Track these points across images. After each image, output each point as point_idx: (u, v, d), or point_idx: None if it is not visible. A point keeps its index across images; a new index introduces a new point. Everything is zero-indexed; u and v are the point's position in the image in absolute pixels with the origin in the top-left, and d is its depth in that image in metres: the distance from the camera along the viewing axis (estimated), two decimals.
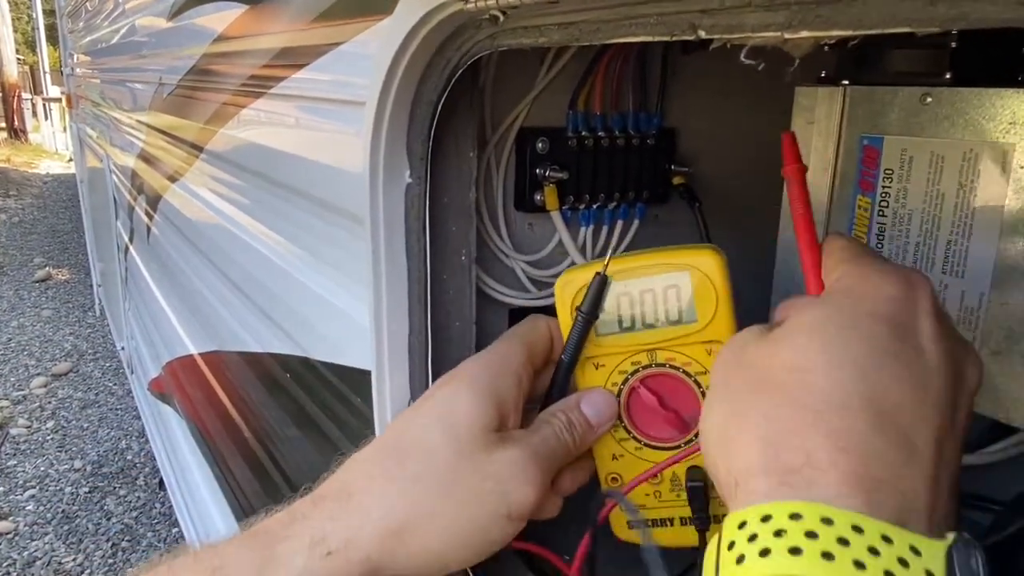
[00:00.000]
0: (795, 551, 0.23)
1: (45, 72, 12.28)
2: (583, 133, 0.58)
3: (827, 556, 0.23)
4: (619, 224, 0.62)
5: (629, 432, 0.44)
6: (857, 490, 0.25)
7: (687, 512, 0.44)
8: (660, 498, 0.45)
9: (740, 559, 0.24)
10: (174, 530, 2.40)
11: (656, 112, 0.61)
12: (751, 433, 0.28)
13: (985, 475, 0.51)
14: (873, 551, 0.23)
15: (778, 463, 0.26)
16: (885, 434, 0.26)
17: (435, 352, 0.48)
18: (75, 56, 3.30)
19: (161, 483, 2.42)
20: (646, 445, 0.44)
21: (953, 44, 0.47)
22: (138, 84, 1.63)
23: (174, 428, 1.73)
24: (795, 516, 0.24)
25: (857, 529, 0.23)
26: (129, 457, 2.90)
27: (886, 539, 0.23)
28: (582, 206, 0.59)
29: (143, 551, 2.38)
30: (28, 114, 12.53)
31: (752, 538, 0.24)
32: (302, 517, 0.39)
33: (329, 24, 0.56)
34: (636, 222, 0.63)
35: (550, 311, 0.63)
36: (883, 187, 0.51)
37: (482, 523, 0.39)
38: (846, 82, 0.53)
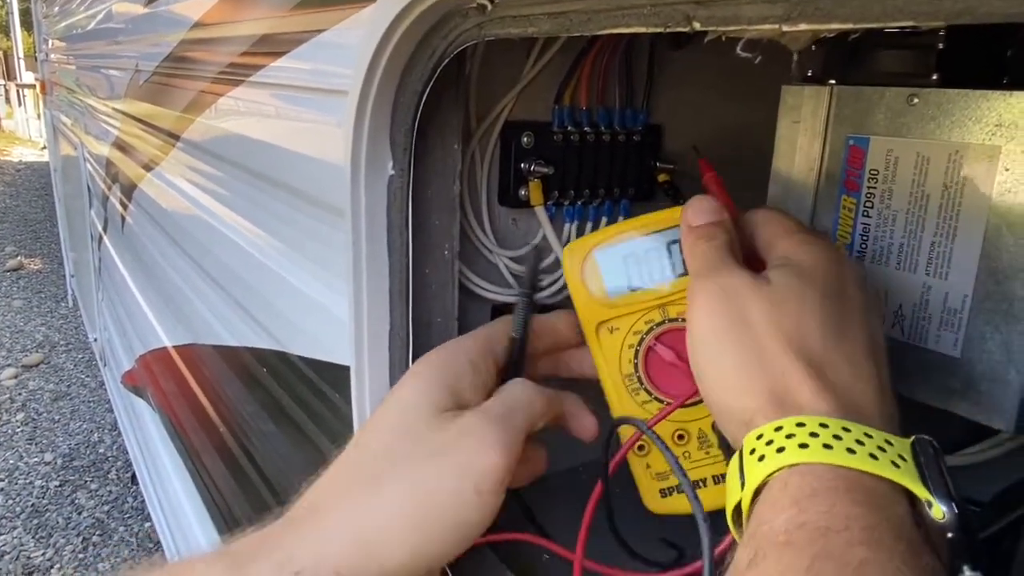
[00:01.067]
0: (803, 446, 0.31)
1: (19, 58, 12.03)
2: (569, 128, 0.57)
3: (827, 447, 0.30)
4: (603, 221, 0.61)
5: (651, 394, 0.44)
6: (837, 407, 0.33)
7: (720, 468, 0.43)
8: (690, 459, 0.44)
9: (761, 458, 0.32)
10: (146, 524, 2.37)
11: (642, 108, 0.60)
12: (761, 379, 0.34)
13: (966, 476, 0.51)
14: (859, 442, 0.31)
15: (787, 396, 0.34)
16: (854, 369, 0.35)
17: (416, 348, 0.47)
18: (50, 42, 3.23)
19: (134, 477, 2.38)
20: (667, 405, 0.44)
21: (940, 45, 0.47)
22: (114, 71, 1.59)
23: (147, 422, 1.71)
24: (800, 424, 0.32)
25: (846, 429, 0.31)
26: (101, 450, 2.85)
27: (867, 435, 0.31)
28: (566, 202, 0.59)
29: (114, 546, 2.34)
30: (1, 101, 12.28)
31: (769, 443, 0.32)
32: (272, 538, 0.38)
33: (311, 11, 0.54)
34: (621, 219, 0.62)
35: (534, 307, 0.62)
36: (868, 187, 0.51)
37: (451, 506, 0.37)
38: (832, 81, 0.53)
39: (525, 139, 0.55)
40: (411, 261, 0.45)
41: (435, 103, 0.43)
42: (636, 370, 0.44)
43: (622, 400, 0.45)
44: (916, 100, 0.48)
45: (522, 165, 0.55)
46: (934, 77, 0.48)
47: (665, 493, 0.45)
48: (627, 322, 0.44)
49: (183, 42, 0.91)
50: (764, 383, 0.34)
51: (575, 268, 0.44)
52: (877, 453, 0.31)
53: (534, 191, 0.56)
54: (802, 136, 0.55)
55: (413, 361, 0.46)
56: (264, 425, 0.79)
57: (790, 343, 0.35)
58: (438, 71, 0.38)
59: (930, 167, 0.47)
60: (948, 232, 0.47)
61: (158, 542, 1.93)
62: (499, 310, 0.60)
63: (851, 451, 0.30)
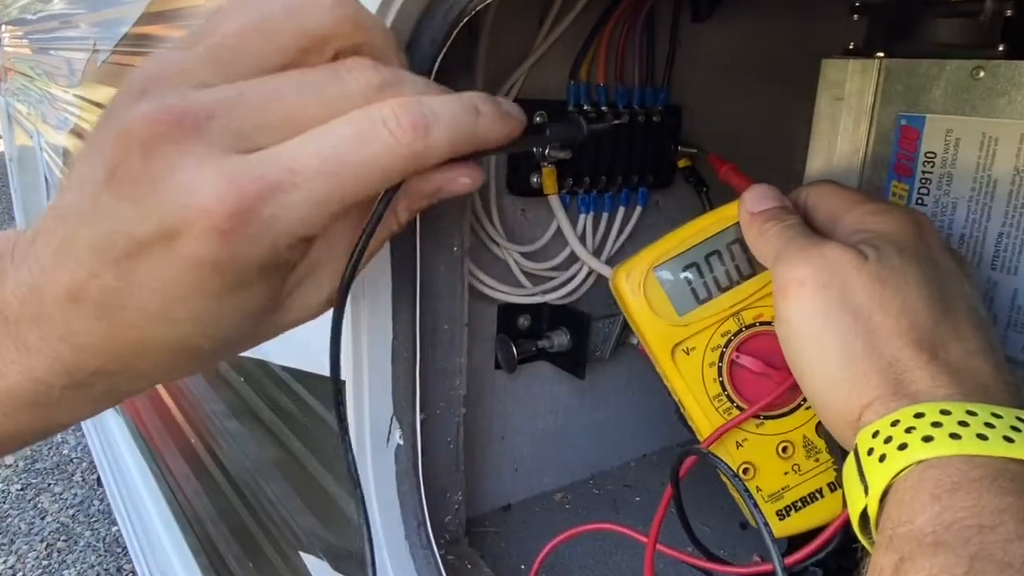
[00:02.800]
0: (927, 439, 0.27)
1: None
2: (585, 107, 0.51)
3: (954, 436, 0.27)
4: (620, 211, 0.55)
5: (743, 411, 0.40)
6: (956, 389, 0.30)
7: (831, 476, 0.41)
8: (800, 471, 0.41)
9: (882, 458, 0.28)
10: (113, 528, 2.27)
11: (663, 86, 0.55)
12: (872, 368, 0.31)
13: None
14: (989, 425, 0.27)
15: (900, 384, 0.30)
16: (964, 343, 0.31)
17: (423, 361, 0.41)
18: (2, 27, 3.07)
19: (100, 479, 2.29)
20: (766, 418, 0.40)
21: (1009, 12, 0.42)
22: (70, 53, 1.49)
23: (111, 425, 1.62)
24: (919, 415, 0.28)
25: (971, 413, 0.28)
26: (65, 451, 2.74)
27: (996, 415, 0.28)
28: (581, 190, 0.53)
29: (80, 551, 2.25)
30: None
31: (887, 440, 0.29)
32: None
33: None
34: (639, 208, 0.56)
35: (545, 309, 0.57)
36: (923, 172, 0.46)
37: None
38: (881, 54, 0.48)
39: (538, 118, 0.49)
40: (419, 259, 0.38)
41: (443, 77, 0.36)
42: (724, 389, 0.41)
43: (715, 425, 0.41)
44: (982, 74, 0.42)
45: (535, 148, 0.48)
46: (1000, 48, 0.43)
47: (783, 515, 0.42)
48: (703, 339, 0.40)
49: (145, 16, 0.83)
50: (876, 373, 0.31)
51: (636, 291, 0.40)
52: (1012, 434, 0.27)
53: (547, 178, 0.50)
54: (845, 115, 0.49)
55: (420, 377, 0.40)
56: (235, 430, 0.72)
57: (899, 324, 0.31)
58: (454, 33, 0.32)
59: (998, 149, 0.42)
60: (1019, 222, 0.42)
61: (126, 547, 1.86)
62: (506, 312, 0.54)
63: (982, 437, 0.27)
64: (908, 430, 0.28)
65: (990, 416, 0.28)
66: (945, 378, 0.30)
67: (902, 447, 0.28)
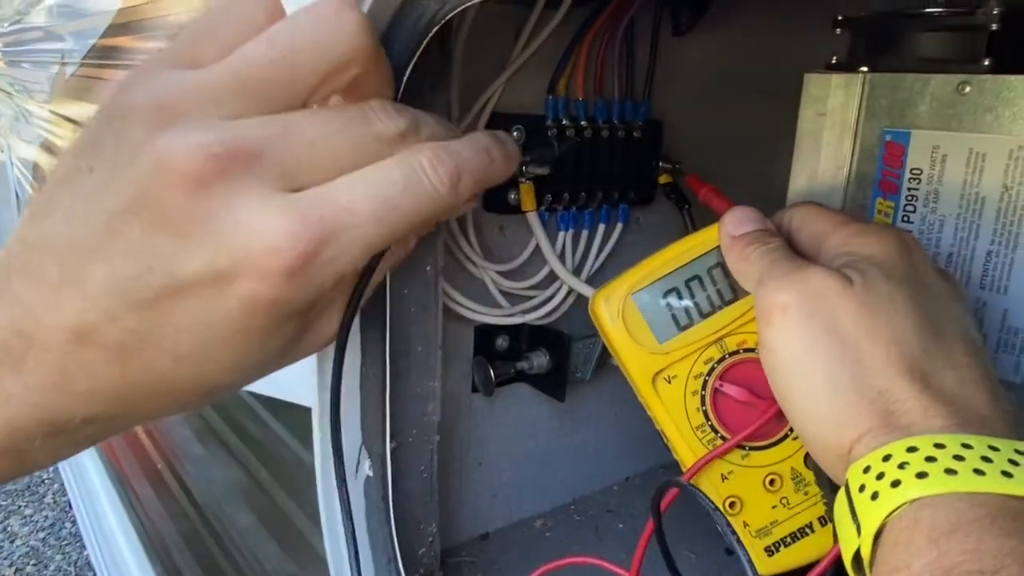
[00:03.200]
0: (921, 475, 0.26)
1: None
2: (564, 122, 0.49)
3: (950, 472, 0.26)
4: (600, 228, 0.54)
5: (726, 441, 0.39)
6: (950, 420, 0.28)
7: (821, 510, 0.39)
8: (789, 505, 0.39)
9: (875, 495, 0.27)
10: (84, 552, 2.21)
11: (643, 101, 0.53)
12: (861, 399, 0.29)
13: None
14: (986, 459, 0.26)
15: (891, 416, 0.29)
16: (957, 371, 0.30)
17: (393, 385, 0.38)
18: None
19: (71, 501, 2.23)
20: (752, 449, 0.39)
21: (994, 26, 0.41)
22: (39, 66, 1.46)
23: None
24: (911, 449, 0.27)
25: (966, 446, 0.26)
26: (36, 472, 2.67)
27: (993, 448, 0.26)
28: (560, 207, 0.51)
29: (51, 575, 2.18)
30: None
31: (879, 476, 0.27)
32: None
33: None
34: (619, 225, 0.55)
35: (523, 330, 0.55)
36: (909, 189, 0.45)
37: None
38: (864, 69, 0.47)
39: (515, 133, 0.47)
40: (387, 279, 0.36)
41: (416, 89, 0.34)
42: (707, 419, 0.39)
43: (698, 456, 0.39)
44: (968, 88, 0.42)
45: None
46: (985, 63, 0.42)
47: (771, 551, 0.40)
48: (684, 367, 0.39)
49: (111, 28, 0.80)
50: (865, 404, 0.30)
51: (614, 319, 0.39)
52: (1010, 468, 0.26)
53: (525, 195, 0.48)
54: (828, 131, 0.48)
55: (391, 403, 0.38)
56: (199, 456, 0.69)
57: (888, 353, 0.30)
58: (424, 42, 0.30)
59: (986, 165, 0.41)
60: (1008, 240, 0.41)
61: (96, 572, 1.80)
62: (483, 332, 0.52)
63: (979, 472, 0.26)
64: (901, 465, 0.27)
65: (987, 449, 0.27)
66: (939, 409, 0.29)
67: (895, 484, 0.27)
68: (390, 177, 0.27)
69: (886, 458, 0.28)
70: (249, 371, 0.29)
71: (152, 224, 0.24)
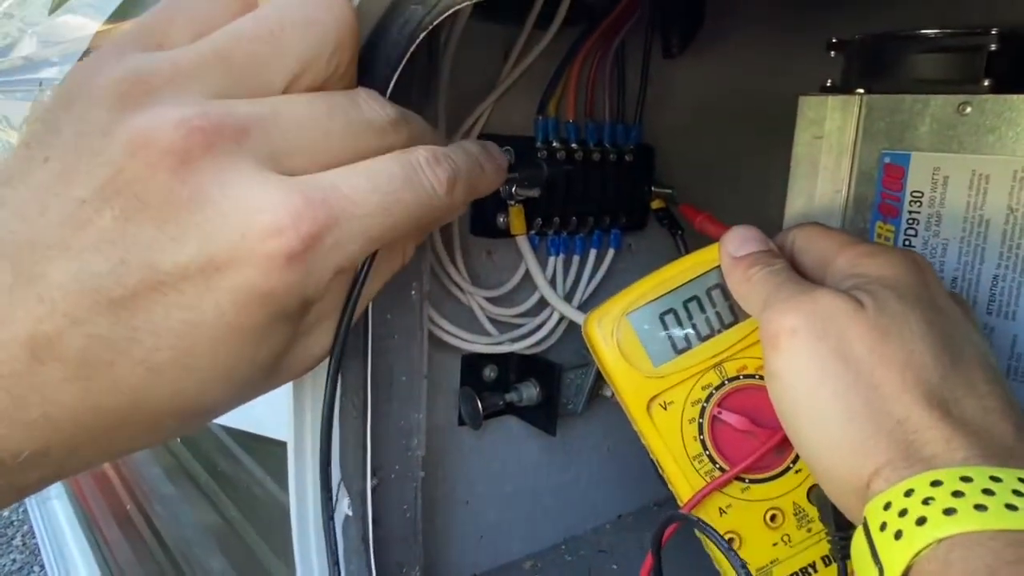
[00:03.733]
0: (949, 512, 0.24)
1: None
2: (554, 144, 0.48)
3: (980, 508, 0.24)
4: (592, 254, 0.52)
5: (725, 472, 0.37)
6: (975, 451, 0.26)
7: (826, 548, 0.37)
8: (791, 543, 0.37)
9: (898, 534, 0.25)
10: None
11: (635, 124, 0.52)
12: (878, 430, 0.28)
13: None
14: (1017, 492, 0.24)
15: (911, 447, 0.27)
16: (978, 398, 0.28)
17: (375, 417, 0.36)
18: None
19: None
20: (752, 482, 0.37)
21: (993, 46, 0.40)
22: (17, 93, 1.44)
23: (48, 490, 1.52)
24: (936, 483, 0.25)
25: (995, 479, 0.25)
26: (6, 513, 2.58)
27: (1023, 481, 0.25)
28: (551, 231, 0.49)
29: None
30: None
31: (902, 513, 0.25)
32: None
33: None
34: (611, 251, 0.53)
35: (512, 359, 0.53)
36: (910, 212, 0.43)
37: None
38: (861, 90, 0.46)
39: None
40: (370, 306, 0.34)
41: (403, 103, 0.33)
42: (705, 448, 0.37)
43: (695, 488, 0.37)
44: (969, 109, 0.41)
45: (502, 186, 0.45)
46: (985, 83, 0.41)
47: None
48: (681, 392, 0.37)
49: (88, 53, 0.79)
50: (883, 435, 0.28)
51: (607, 340, 0.37)
52: None
53: (515, 218, 0.47)
54: (825, 154, 0.47)
55: (373, 437, 0.36)
56: (168, 494, 0.66)
57: (904, 379, 0.28)
58: (411, 47, 0.28)
59: (990, 187, 0.40)
60: (1015, 263, 0.40)
61: None
62: (470, 361, 0.50)
63: (1012, 508, 0.24)
64: (926, 501, 0.25)
65: (1017, 482, 0.25)
66: (962, 439, 0.27)
67: (920, 522, 0.25)
68: (390, 171, 0.25)
69: (908, 493, 0.26)
70: (234, 388, 0.25)
71: (127, 211, 0.21)
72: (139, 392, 0.23)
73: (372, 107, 0.26)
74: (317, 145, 0.24)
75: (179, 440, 0.61)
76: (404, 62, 0.28)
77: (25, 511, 2.46)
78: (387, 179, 0.24)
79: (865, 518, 0.27)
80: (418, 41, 0.28)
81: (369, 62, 0.29)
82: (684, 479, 0.37)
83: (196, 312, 0.22)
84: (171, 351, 0.22)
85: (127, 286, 0.21)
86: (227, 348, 0.23)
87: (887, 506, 0.26)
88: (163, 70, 0.23)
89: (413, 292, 0.38)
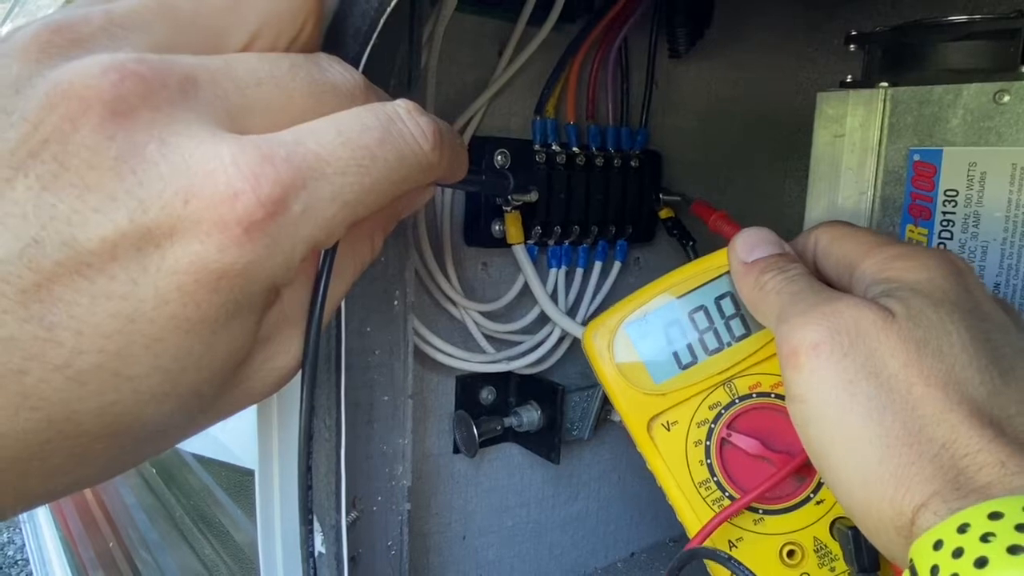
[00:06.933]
0: (1015, 550, 0.21)
1: None
2: (553, 147, 0.45)
3: None
4: (596, 266, 0.48)
5: (735, 501, 0.33)
6: None
7: None
8: None
9: None
10: None
11: (641, 128, 0.49)
12: (920, 456, 0.24)
13: None
14: None
15: (961, 475, 0.24)
16: None
17: (349, 442, 0.32)
18: None
19: None
20: (766, 513, 0.33)
21: None
22: None
23: (40, 521, 1.49)
24: (995, 515, 0.22)
25: None
26: (11, 552, 2.54)
27: None
28: (551, 240, 0.46)
29: None
30: None
31: (958, 553, 0.22)
32: None
33: None
34: (617, 264, 0.49)
35: (511, 380, 0.49)
36: (944, 213, 0.40)
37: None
38: (884, 84, 0.42)
39: (499, 158, 0.42)
40: (344, 316, 0.31)
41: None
42: (712, 474, 0.33)
43: (702, 518, 0.33)
44: (1007, 97, 0.37)
45: (498, 190, 0.42)
46: (1023, 69, 0.37)
47: None
48: (686, 411, 0.34)
49: None
50: (926, 461, 0.24)
51: (604, 352, 0.34)
52: None
53: (511, 225, 0.43)
54: (848, 154, 0.43)
55: (349, 464, 0.32)
56: (144, 524, 0.62)
57: (947, 396, 0.25)
58: (381, 21, 0.25)
59: None
60: None
61: None
62: (465, 382, 0.46)
63: None
64: (984, 538, 0.21)
65: None
66: (1020, 462, 0.23)
67: (981, 564, 0.21)
68: (364, 123, 0.21)
69: (962, 528, 0.22)
70: (180, 404, 0.20)
71: (42, 178, 0.17)
72: (57, 408, 0.18)
73: (337, 69, 0.22)
74: (277, 102, 0.20)
75: (162, 484, 0.57)
76: (376, 36, 0.25)
77: (25, 555, 2.42)
78: (360, 131, 0.20)
79: (912, 561, 0.23)
80: (389, 9, 0.25)
81: (337, 34, 0.26)
82: (689, 508, 0.34)
83: (130, 302, 0.18)
84: (98, 354, 0.18)
85: (41, 271, 0.17)
86: (170, 349, 0.19)
87: (937, 545, 0.22)
88: (94, 18, 0.19)
89: (396, 302, 0.34)
